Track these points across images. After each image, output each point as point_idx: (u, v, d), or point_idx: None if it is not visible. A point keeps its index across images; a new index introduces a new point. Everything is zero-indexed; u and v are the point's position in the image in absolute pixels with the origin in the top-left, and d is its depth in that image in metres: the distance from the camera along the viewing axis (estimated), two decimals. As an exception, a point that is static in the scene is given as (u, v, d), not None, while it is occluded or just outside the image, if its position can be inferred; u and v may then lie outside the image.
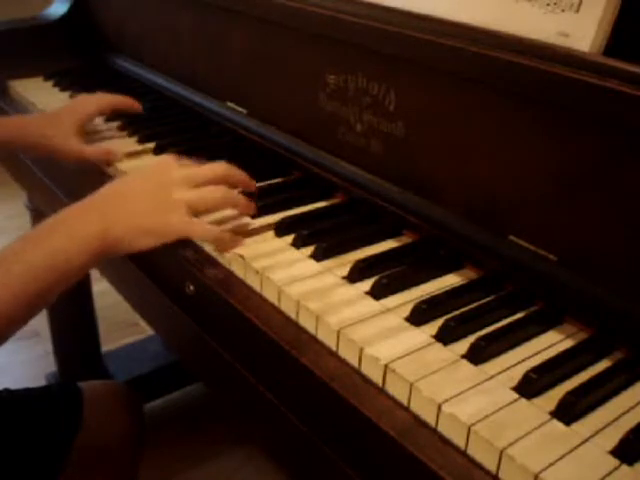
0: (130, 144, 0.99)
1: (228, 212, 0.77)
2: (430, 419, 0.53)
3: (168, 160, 0.75)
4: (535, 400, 0.54)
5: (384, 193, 0.80)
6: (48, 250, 0.65)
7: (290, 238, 0.74)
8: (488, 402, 0.53)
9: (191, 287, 0.72)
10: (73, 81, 1.22)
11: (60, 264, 0.65)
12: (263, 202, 0.79)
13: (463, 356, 0.58)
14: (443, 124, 0.73)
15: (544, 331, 0.62)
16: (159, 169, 0.74)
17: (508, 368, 0.57)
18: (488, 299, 0.66)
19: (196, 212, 0.71)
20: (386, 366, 0.56)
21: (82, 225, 0.67)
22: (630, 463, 0.48)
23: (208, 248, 0.73)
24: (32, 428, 0.81)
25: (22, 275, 0.63)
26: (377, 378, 0.57)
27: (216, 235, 0.72)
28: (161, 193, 0.70)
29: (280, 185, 0.88)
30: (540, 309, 0.65)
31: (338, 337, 0.60)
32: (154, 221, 0.69)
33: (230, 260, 0.71)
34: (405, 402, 0.55)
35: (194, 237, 0.72)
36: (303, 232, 0.73)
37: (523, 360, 0.58)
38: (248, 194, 0.78)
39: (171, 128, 1.05)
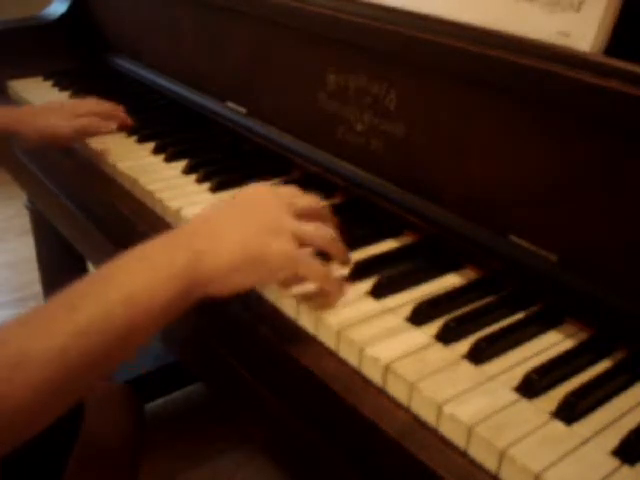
0: (130, 144, 0.99)
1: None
2: (430, 419, 0.53)
3: (263, 186, 0.66)
4: (536, 400, 0.54)
5: (384, 193, 0.79)
6: (127, 285, 0.53)
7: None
8: (489, 402, 0.53)
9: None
10: (72, 81, 1.22)
11: (141, 300, 0.53)
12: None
13: (464, 356, 0.58)
14: (443, 124, 0.73)
15: (544, 331, 0.62)
16: (253, 192, 0.64)
17: (509, 368, 0.57)
18: (488, 299, 0.66)
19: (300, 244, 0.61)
20: (386, 366, 0.56)
21: (167, 257, 0.56)
22: (631, 463, 0.48)
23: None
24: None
25: (93, 313, 0.51)
26: (377, 378, 0.56)
27: (327, 273, 0.62)
28: (259, 217, 0.60)
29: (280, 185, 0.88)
30: (540, 309, 0.65)
31: (338, 337, 0.60)
32: (250, 249, 0.58)
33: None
34: (405, 402, 0.55)
35: (300, 270, 0.61)
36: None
37: (524, 360, 0.58)
38: None
39: (171, 128, 1.05)
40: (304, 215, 0.63)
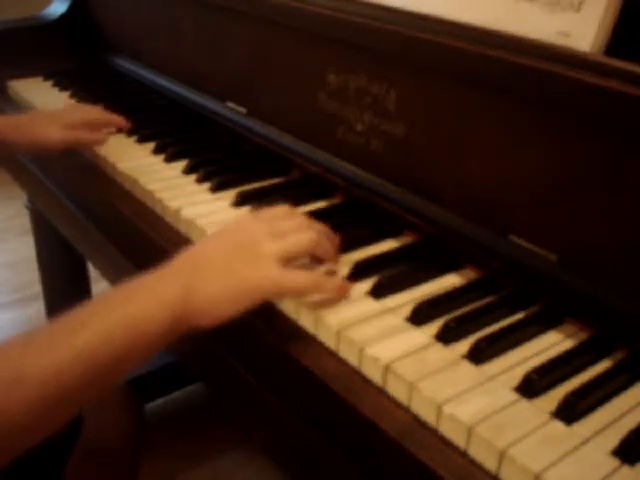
0: (129, 144, 0.99)
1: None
2: (430, 419, 0.53)
3: (246, 216, 0.69)
4: (536, 400, 0.54)
5: (384, 193, 0.79)
6: (124, 313, 0.56)
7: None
8: (489, 402, 0.53)
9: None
10: (73, 81, 1.22)
11: (140, 324, 0.56)
12: (263, 203, 0.79)
13: (464, 356, 0.58)
14: (443, 124, 0.73)
15: (544, 331, 0.62)
16: (237, 226, 0.67)
17: (509, 368, 0.57)
18: (488, 299, 0.66)
19: (285, 262, 0.63)
20: (386, 366, 0.56)
21: (164, 288, 0.59)
22: (631, 463, 0.48)
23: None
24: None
25: (92, 335, 0.54)
26: (377, 378, 0.56)
27: (315, 281, 0.63)
28: (243, 250, 0.62)
29: (280, 185, 0.88)
30: (540, 309, 0.65)
31: (338, 337, 0.60)
32: (237, 281, 0.60)
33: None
34: (405, 402, 0.55)
35: (288, 290, 0.63)
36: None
37: (524, 360, 0.58)
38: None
39: (171, 128, 1.05)
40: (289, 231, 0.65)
